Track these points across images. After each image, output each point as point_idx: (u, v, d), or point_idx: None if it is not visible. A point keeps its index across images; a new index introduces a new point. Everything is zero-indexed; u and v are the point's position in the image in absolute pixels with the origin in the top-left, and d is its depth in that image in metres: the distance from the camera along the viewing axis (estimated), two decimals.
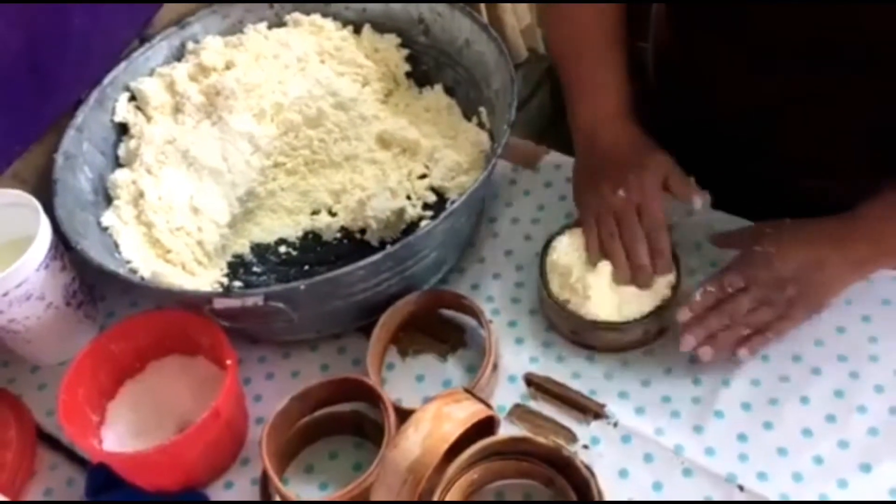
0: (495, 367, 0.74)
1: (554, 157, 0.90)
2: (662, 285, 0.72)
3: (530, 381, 0.74)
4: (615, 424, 0.71)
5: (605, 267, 0.73)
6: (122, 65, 0.88)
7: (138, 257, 0.79)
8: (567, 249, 0.75)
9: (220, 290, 0.81)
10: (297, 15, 0.93)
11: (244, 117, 0.86)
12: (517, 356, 0.76)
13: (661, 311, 0.72)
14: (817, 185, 0.69)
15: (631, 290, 0.72)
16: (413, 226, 0.83)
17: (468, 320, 0.78)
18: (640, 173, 0.74)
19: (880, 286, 0.75)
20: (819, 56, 0.70)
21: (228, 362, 0.70)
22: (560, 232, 0.77)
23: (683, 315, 0.69)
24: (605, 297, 0.72)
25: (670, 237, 0.73)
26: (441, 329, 0.79)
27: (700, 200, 0.75)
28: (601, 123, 0.78)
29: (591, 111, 0.79)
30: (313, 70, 0.90)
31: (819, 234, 0.69)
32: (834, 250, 0.67)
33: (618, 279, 0.72)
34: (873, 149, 0.70)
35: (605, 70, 0.79)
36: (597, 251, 0.73)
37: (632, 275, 0.72)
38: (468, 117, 0.88)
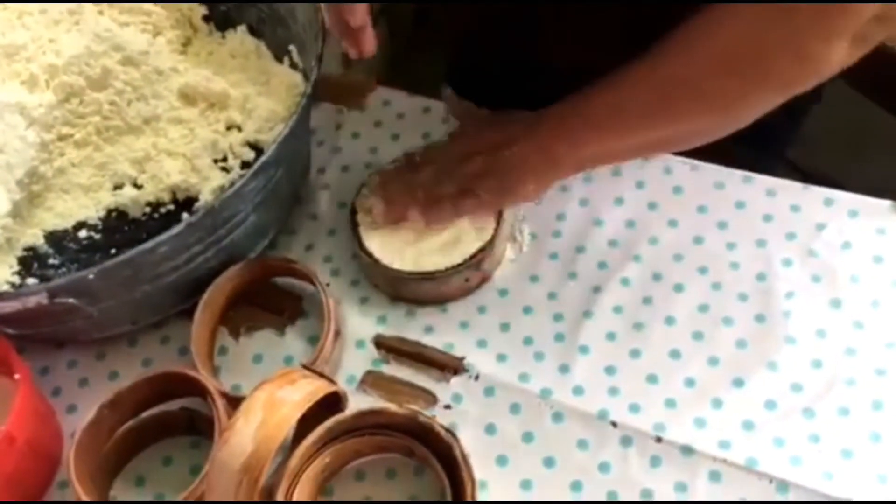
0: (338, 333, 0.66)
1: (382, 92, 0.81)
2: (473, 238, 0.67)
3: (380, 343, 0.67)
4: (476, 377, 0.65)
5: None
6: None
7: None
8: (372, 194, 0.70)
9: (11, 290, 0.68)
10: None
11: (11, 86, 0.73)
12: (364, 318, 0.69)
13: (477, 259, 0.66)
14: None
15: (427, 245, 0.67)
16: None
17: (305, 286, 0.70)
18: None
19: (732, 190, 0.71)
20: None
21: (17, 377, 0.59)
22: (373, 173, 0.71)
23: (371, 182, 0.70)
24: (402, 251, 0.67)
25: None
26: (275, 300, 0.70)
27: None
28: None
29: None
30: (90, 23, 0.77)
31: (513, 120, 0.69)
32: (520, 133, 0.67)
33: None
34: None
35: None
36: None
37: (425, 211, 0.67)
38: (279, 59, 0.78)
